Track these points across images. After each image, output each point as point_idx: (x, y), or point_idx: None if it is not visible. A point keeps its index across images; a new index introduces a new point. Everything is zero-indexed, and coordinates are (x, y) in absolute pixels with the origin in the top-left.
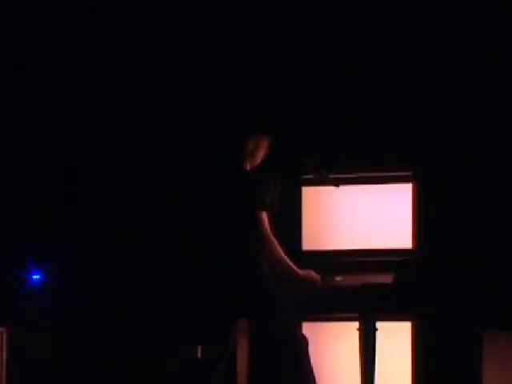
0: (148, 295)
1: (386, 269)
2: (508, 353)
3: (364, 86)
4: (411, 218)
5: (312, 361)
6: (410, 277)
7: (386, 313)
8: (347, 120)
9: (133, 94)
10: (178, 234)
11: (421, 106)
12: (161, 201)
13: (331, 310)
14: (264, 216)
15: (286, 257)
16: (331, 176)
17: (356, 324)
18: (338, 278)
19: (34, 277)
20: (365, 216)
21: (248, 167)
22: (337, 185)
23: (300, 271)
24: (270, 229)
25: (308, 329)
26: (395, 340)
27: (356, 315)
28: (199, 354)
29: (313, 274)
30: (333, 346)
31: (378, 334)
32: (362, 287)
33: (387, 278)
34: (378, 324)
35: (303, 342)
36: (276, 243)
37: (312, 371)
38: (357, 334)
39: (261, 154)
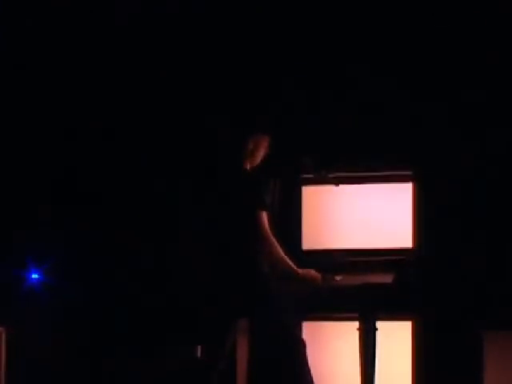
0: (148, 295)
1: (386, 268)
2: (508, 353)
3: (364, 85)
4: (411, 217)
5: (312, 360)
6: (410, 276)
7: (386, 312)
8: (347, 120)
9: (133, 94)
10: (177, 234)
11: (421, 105)
12: (161, 201)
13: (331, 309)
14: (264, 216)
15: (285, 257)
16: (331, 175)
17: (356, 324)
18: (337, 278)
19: (33, 276)
20: (365, 215)
21: (248, 167)
22: (337, 184)
23: (300, 271)
24: (270, 229)
25: (308, 328)
26: (395, 340)
27: (356, 315)
28: (199, 354)
29: (313, 273)
30: (333, 345)
31: (378, 333)
32: (362, 287)
33: (387, 278)
34: (378, 324)
35: (301, 344)
36: (276, 243)
37: (310, 372)
38: (357, 333)
39: (261, 154)
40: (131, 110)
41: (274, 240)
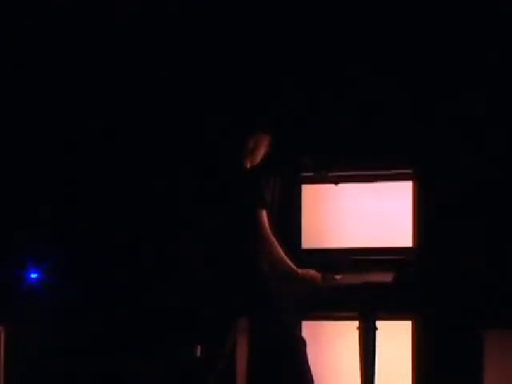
0: (148, 295)
1: (386, 267)
2: (508, 352)
3: (364, 85)
4: (411, 216)
5: (312, 360)
6: (410, 276)
7: (386, 312)
8: (347, 119)
9: (133, 94)
10: (177, 234)
11: (421, 104)
12: (161, 201)
13: (331, 308)
14: (264, 215)
15: (285, 257)
16: (331, 174)
17: (356, 323)
18: (337, 277)
19: (32, 275)
20: (365, 214)
21: (248, 165)
22: (336, 183)
23: (299, 271)
24: (270, 228)
25: (308, 328)
26: (395, 339)
27: (356, 314)
28: (199, 354)
29: (312, 273)
30: (333, 345)
31: (378, 333)
32: (361, 286)
33: (387, 277)
34: (378, 323)
35: (302, 343)
36: (276, 243)
37: (310, 372)
38: (357, 333)
39: (261, 153)
40: (131, 110)
41: (273, 240)
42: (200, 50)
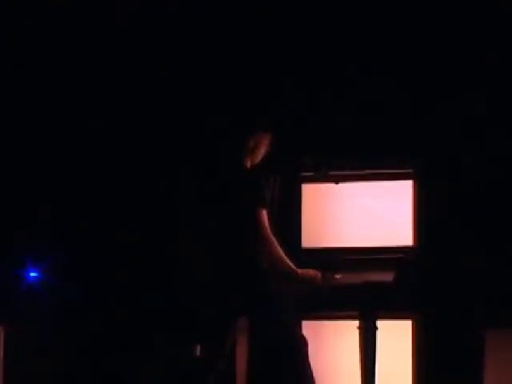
0: (148, 295)
1: (387, 267)
2: (509, 351)
3: (365, 84)
4: (412, 215)
5: (312, 359)
6: (410, 275)
7: (386, 311)
8: (347, 118)
9: (133, 94)
10: (177, 234)
11: (421, 104)
12: (161, 200)
13: (331, 308)
14: (264, 215)
15: (285, 257)
16: (331, 173)
17: (356, 322)
18: (337, 276)
19: (32, 274)
20: (365, 213)
21: (248, 165)
22: (337, 182)
23: (299, 270)
24: (270, 228)
25: (308, 327)
26: (395, 339)
27: (356, 313)
28: (198, 353)
29: (312, 272)
30: (333, 344)
31: (378, 332)
32: (362, 285)
33: (388, 276)
34: (379, 322)
35: (303, 343)
36: (276, 243)
37: (311, 372)
38: (357, 332)
39: (261, 152)
40: (131, 110)
41: (273, 239)
42: (200, 50)
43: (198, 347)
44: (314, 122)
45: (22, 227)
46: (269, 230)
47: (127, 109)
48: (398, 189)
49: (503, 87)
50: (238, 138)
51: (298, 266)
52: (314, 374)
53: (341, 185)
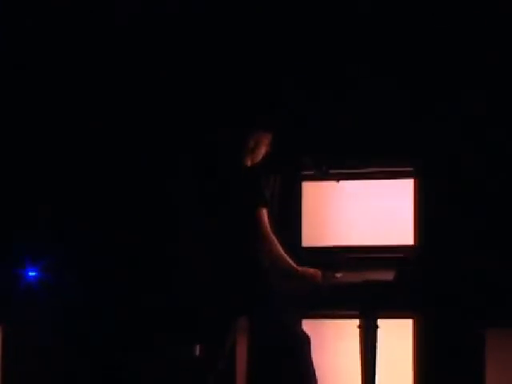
0: (148, 295)
1: (387, 266)
2: (509, 351)
3: (365, 83)
4: (412, 214)
5: (313, 358)
6: (411, 274)
7: (387, 310)
8: (348, 117)
9: (133, 94)
10: (177, 234)
11: (421, 103)
12: (161, 200)
13: (332, 307)
14: (264, 213)
15: (285, 255)
16: (332, 171)
17: (357, 321)
18: (338, 275)
19: (31, 273)
20: (366, 212)
21: (249, 164)
22: (337, 180)
23: (299, 268)
24: (270, 226)
25: (308, 326)
26: (396, 338)
27: (357, 313)
28: (198, 353)
29: (312, 271)
30: (333, 343)
31: (378, 331)
32: (362, 284)
33: (388, 275)
34: (379, 321)
35: (305, 341)
36: (276, 241)
37: (313, 370)
38: (357, 331)
39: (262, 152)
40: (131, 110)
41: (273, 238)
42: (200, 50)
43: (198, 347)
44: (314, 122)
45: (22, 227)
46: (269, 229)
47: (127, 109)
48: (398, 187)
49: (503, 87)
50: (238, 138)
51: (299, 265)
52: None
53: (341, 183)
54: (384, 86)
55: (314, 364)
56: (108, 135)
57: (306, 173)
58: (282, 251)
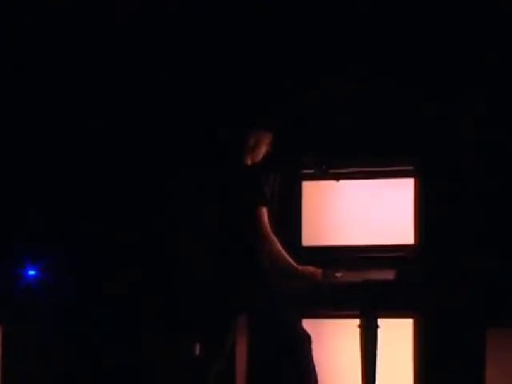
0: (148, 295)
1: (388, 265)
2: (510, 350)
3: (365, 83)
4: (413, 213)
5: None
6: (411, 273)
7: (387, 310)
8: (348, 116)
9: (133, 94)
10: (177, 234)
11: (421, 102)
12: (161, 200)
13: (332, 306)
14: (264, 213)
15: (285, 254)
16: (332, 171)
17: (357, 321)
18: (338, 275)
19: (30, 272)
20: (366, 211)
21: (249, 163)
22: (337, 179)
23: (300, 268)
24: (270, 225)
25: (308, 326)
26: (397, 337)
27: (357, 312)
28: (198, 353)
29: (312, 270)
30: (333, 343)
31: (379, 331)
32: (362, 284)
33: (389, 275)
34: (380, 321)
35: (305, 339)
36: (276, 240)
37: (314, 368)
38: (358, 331)
39: (262, 151)
40: (131, 110)
41: (273, 237)
42: (200, 50)
43: (198, 346)
44: (315, 120)
45: (22, 227)
46: (269, 228)
47: (127, 109)
48: (398, 186)
49: (503, 87)
50: (238, 137)
51: (299, 264)
52: None
53: (341, 182)
54: (384, 86)
55: (314, 363)
56: (108, 135)
57: (305, 172)
58: (282, 250)
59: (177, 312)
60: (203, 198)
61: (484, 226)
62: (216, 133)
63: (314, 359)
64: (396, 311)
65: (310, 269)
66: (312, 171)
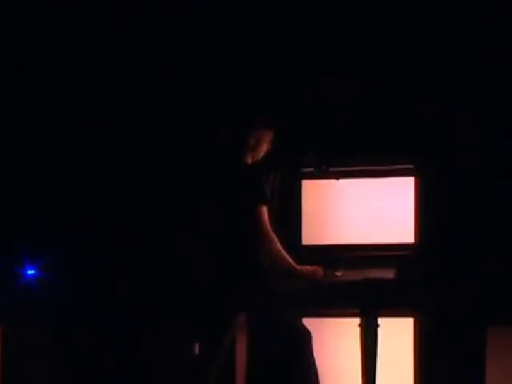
0: (148, 295)
1: (388, 264)
2: (510, 349)
3: (365, 82)
4: (413, 212)
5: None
6: (411, 272)
7: (387, 309)
8: (348, 114)
9: (133, 94)
10: (178, 234)
11: (422, 101)
12: (161, 200)
13: (332, 305)
14: (264, 211)
15: (285, 253)
16: (332, 169)
17: (357, 320)
18: (338, 274)
19: (30, 272)
20: (366, 210)
21: (250, 161)
22: (337, 178)
23: (299, 268)
24: (270, 224)
25: (309, 325)
26: (397, 336)
27: (357, 311)
28: (197, 351)
29: (311, 268)
30: (333, 342)
31: (379, 330)
32: (363, 282)
33: (389, 274)
34: (380, 320)
35: (306, 337)
36: (276, 239)
37: (315, 366)
38: (358, 330)
39: (263, 149)
40: (131, 110)
41: (273, 236)
42: (200, 50)
43: (197, 345)
44: (315, 118)
45: (22, 227)
46: (269, 227)
47: (127, 108)
48: (399, 185)
49: (503, 87)
50: (238, 136)
51: (299, 264)
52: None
53: (341, 181)
54: (384, 86)
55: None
56: (108, 135)
57: (305, 171)
58: (282, 250)
59: (177, 312)
60: (203, 197)
61: (484, 224)
62: (216, 132)
63: (315, 358)
64: (396, 310)
65: (310, 268)
66: (312, 170)
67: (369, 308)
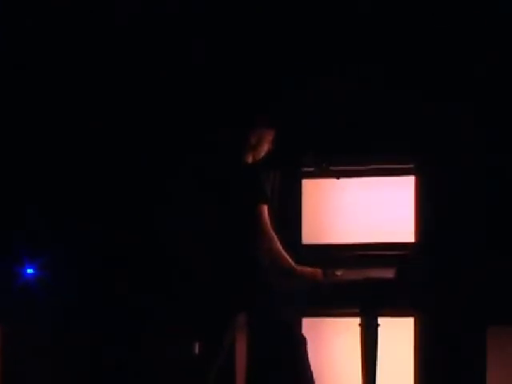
0: (148, 295)
1: (388, 263)
2: (511, 348)
3: (365, 81)
4: (413, 211)
5: (312, 357)
6: (412, 271)
7: (387, 308)
8: (349, 113)
9: (133, 94)
10: (178, 234)
11: (422, 101)
12: (161, 200)
13: (332, 305)
14: (265, 211)
15: (285, 253)
16: (332, 168)
17: (357, 319)
18: (338, 273)
19: (29, 272)
20: (366, 209)
21: (250, 161)
22: (337, 177)
23: (298, 268)
24: (270, 223)
25: (309, 324)
26: (397, 336)
27: (357, 310)
28: (197, 351)
29: (311, 269)
30: (334, 341)
31: (379, 329)
32: (363, 282)
33: (389, 273)
34: (380, 319)
35: (301, 342)
36: (276, 238)
37: (310, 371)
38: (358, 329)
39: (264, 149)
40: (131, 110)
41: (273, 235)
42: (200, 50)
43: (197, 345)
44: (315, 118)
45: (22, 227)
46: (269, 226)
47: (127, 109)
48: (399, 184)
49: (503, 87)
50: (239, 136)
51: (299, 263)
52: (315, 372)
53: (341, 180)
54: (384, 86)
55: (314, 363)
56: (108, 135)
57: (305, 170)
58: (281, 249)
59: (176, 312)
60: (203, 197)
61: (484, 223)
62: (216, 132)
63: (315, 358)
64: (397, 310)
65: (309, 269)
66: (312, 169)
67: (369, 307)
